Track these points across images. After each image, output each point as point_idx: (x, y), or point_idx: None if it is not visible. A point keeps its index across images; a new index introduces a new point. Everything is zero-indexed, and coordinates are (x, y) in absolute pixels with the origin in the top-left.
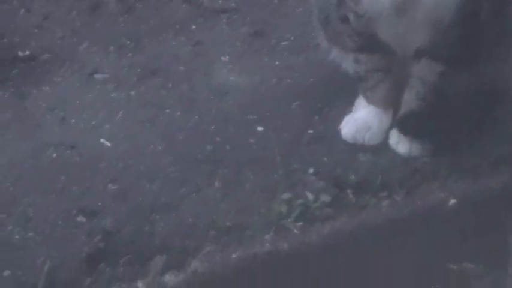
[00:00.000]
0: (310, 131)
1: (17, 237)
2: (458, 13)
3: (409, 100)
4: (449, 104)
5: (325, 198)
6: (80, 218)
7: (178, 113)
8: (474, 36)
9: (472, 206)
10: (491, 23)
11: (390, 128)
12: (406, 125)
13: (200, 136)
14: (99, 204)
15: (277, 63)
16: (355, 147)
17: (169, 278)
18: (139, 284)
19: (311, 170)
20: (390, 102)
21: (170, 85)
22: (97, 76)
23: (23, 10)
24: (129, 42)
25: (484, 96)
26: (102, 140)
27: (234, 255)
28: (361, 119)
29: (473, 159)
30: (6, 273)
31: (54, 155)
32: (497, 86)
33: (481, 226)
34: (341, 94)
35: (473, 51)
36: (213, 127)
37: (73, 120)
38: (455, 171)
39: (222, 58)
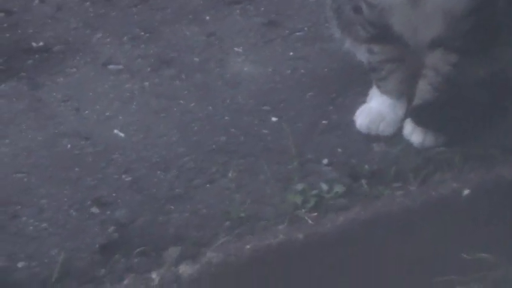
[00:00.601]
0: (324, 121)
1: (30, 228)
2: (472, 3)
3: (423, 90)
4: (461, 94)
5: (339, 188)
6: (94, 209)
7: (192, 104)
8: (489, 25)
9: (486, 195)
10: (507, 11)
11: (404, 118)
12: (419, 115)
13: (214, 127)
14: (113, 195)
15: (291, 53)
16: (369, 138)
17: (183, 268)
18: (154, 274)
19: (325, 161)
20: (403, 93)
21: (184, 76)
22: (111, 67)
23: (37, 1)
24: (142, 33)
25: (496, 85)
26: (116, 131)
27: (248, 246)
28: (375, 110)
29: (486, 149)
30: (21, 264)
31: (69, 145)
32: (509, 74)
33: (495, 215)
34: (355, 84)
35: (487, 41)
36: (227, 118)
37: (87, 111)
38: (468, 161)
39: (236, 49)
